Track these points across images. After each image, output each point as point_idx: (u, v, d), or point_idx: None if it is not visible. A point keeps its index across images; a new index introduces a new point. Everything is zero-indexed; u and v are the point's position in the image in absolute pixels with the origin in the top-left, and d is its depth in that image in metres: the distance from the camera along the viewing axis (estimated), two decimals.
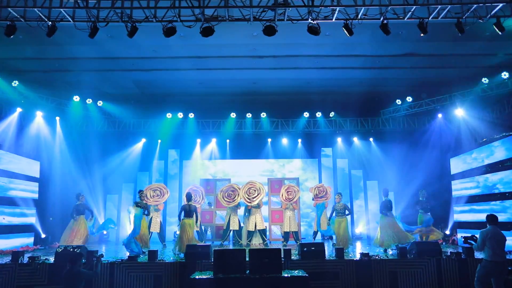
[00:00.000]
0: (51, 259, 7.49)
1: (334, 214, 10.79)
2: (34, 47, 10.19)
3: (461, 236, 6.57)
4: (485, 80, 11.40)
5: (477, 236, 5.99)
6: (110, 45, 10.20)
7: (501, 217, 9.47)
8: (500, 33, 7.71)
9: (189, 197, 10.13)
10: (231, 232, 11.52)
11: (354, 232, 13.98)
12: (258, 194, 11.40)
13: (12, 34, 7.67)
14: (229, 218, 11.52)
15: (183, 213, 9.83)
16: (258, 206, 11.39)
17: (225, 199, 11.67)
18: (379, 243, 9.99)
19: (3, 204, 10.55)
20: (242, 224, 11.60)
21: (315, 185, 12.52)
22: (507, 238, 5.98)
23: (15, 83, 11.41)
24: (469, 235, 6.21)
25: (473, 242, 6.02)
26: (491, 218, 6.04)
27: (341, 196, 10.98)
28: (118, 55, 10.92)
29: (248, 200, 11.36)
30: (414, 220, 11.66)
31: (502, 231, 5.96)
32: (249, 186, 11.58)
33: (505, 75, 10.81)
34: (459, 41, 9.53)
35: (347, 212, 10.80)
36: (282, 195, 11.80)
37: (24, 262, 7.35)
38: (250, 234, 11.24)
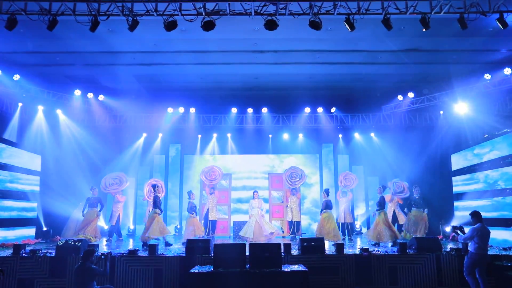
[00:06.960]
0: (53, 252, 7.53)
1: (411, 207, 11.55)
2: (35, 41, 10.16)
3: (452, 225, 6.94)
4: (487, 76, 11.33)
5: (466, 228, 6.52)
6: (111, 39, 10.17)
7: (503, 214, 9.47)
8: (503, 28, 7.64)
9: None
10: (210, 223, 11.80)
11: (354, 226, 13.94)
12: (299, 179, 12.63)
13: (13, 27, 7.64)
14: (208, 210, 11.91)
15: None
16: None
17: (207, 177, 12.68)
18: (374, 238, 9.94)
19: (5, 197, 10.59)
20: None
21: (392, 181, 12.86)
22: (508, 233, 6.12)
23: (16, 77, 11.39)
24: (458, 225, 6.62)
25: (460, 233, 6.49)
26: (478, 216, 6.46)
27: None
28: (119, 49, 10.89)
29: (291, 183, 12.54)
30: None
31: (499, 227, 6.18)
32: (291, 171, 12.82)
33: (507, 71, 10.71)
34: (462, 36, 9.47)
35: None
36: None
37: (26, 255, 7.38)
38: (291, 224, 11.72)
